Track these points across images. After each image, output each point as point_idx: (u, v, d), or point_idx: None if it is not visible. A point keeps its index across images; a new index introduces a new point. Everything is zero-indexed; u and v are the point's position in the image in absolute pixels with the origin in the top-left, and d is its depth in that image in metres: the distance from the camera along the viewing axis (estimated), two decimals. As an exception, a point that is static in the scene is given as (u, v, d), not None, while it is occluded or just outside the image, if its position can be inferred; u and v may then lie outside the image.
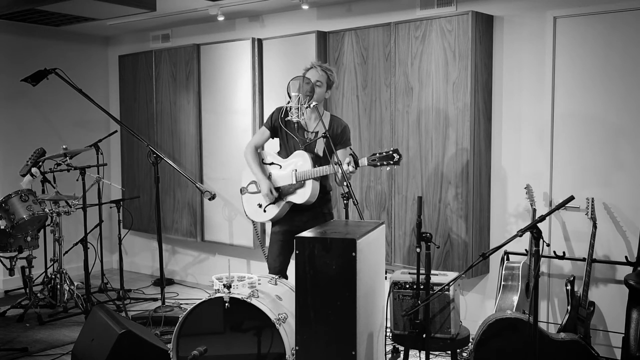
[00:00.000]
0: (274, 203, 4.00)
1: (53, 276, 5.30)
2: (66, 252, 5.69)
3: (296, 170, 3.91)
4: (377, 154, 3.70)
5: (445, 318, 3.53)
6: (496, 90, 4.60)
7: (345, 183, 3.68)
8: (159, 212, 5.00)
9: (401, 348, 3.97)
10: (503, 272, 4.23)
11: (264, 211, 4.05)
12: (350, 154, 3.72)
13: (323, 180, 3.99)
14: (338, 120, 4.09)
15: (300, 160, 3.91)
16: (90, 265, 5.23)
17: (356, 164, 3.69)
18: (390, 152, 3.67)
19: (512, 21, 4.51)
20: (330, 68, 4.05)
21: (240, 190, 4.20)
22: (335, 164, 3.69)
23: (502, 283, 4.20)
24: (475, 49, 4.39)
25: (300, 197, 3.91)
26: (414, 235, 4.65)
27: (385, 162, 3.68)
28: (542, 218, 3.09)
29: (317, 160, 3.91)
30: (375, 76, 4.84)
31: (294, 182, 3.91)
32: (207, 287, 6.08)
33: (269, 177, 4.03)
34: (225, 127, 5.74)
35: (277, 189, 3.99)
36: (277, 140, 4.16)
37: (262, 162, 4.10)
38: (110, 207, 6.55)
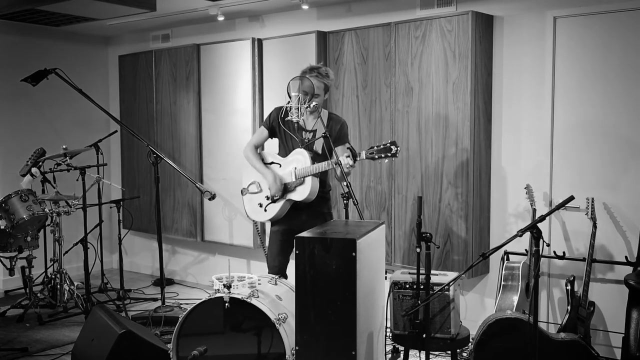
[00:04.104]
0: (274, 202, 4.00)
1: (53, 276, 5.29)
2: (66, 252, 5.69)
3: (296, 168, 3.92)
4: (375, 147, 3.70)
5: (445, 318, 3.53)
6: (496, 90, 4.60)
7: (345, 183, 3.68)
8: (159, 212, 5.00)
9: (401, 348, 3.97)
10: (503, 272, 4.23)
11: (265, 210, 4.05)
12: (348, 148, 3.72)
13: (323, 177, 4.00)
14: (336, 117, 4.10)
15: (300, 158, 3.92)
16: (90, 265, 5.23)
17: (354, 158, 3.69)
18: (388, 145, 3.67)
19: (512, 21, 4.51)
20: (327, 72, 3.99)
21: (241, 191, 4.20)
22: (335, 164, 3.70)
23: (502, 283, 4.20)
24: (475, 49, 4.39)
25: (300, 194, 3.92)
26: (414, 235, 4.65)
27: (383, 155, 3.68)
28: (542, 218, 3.09)
29: (317, 158, 3.91)
30: (375, 76, 4.84)
31: (294, 179, 3.92)
32: (207, 287, 6.08)
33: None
34: (225, 127, 5.74)
35: (285, 184, 3.97)
36: (276, 140, 4.17)
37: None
38: (110, 207, 6.55)
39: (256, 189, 4.11)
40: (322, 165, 3.82)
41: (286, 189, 3.97)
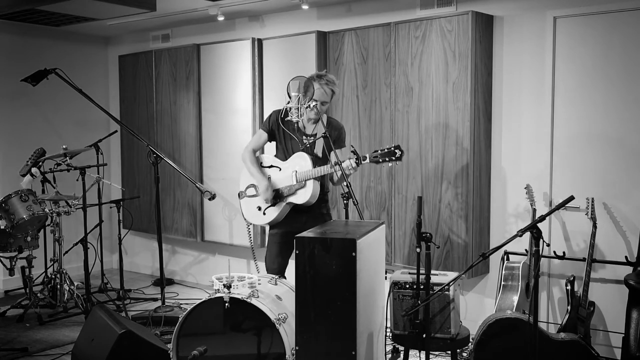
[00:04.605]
0: (273, 205, 3.99)
1: (53, 276, 5.30)
2: (66, 252, 5.69)
3: (296, 171, 3.91)
4: (379, 151, 3.70)
5: (445, 318, 3.53)
6: (496, 90, 4.60)
7: (345, 183, 3.68)
8: (159, 212, 5.00)
9: (401, 348, 3.97)
10: (503, 272, 4.23)
11: (264, 214, 4.04)
12: (352, 151, 3.72)
13: (322, 180, 4.00)
14: (335, 123, 4.10)
15: (301, 161, 3.91)
16: (90, 265, 5.23)
17: (358, 161, 3.69)
18: (392, 149, 3.67)
19: (512, 21, 4.51)
20: (334, 79, 3.96)
21: (239, 194, 4.19)
22: (335, 164, 3.70)
23: (502, 283, 4.20)
24: (475, 49, 4.39)
25: (302, 197, 3.91)
26: (414, 235, 4.65)
27: (387, 159, 3.68)
28: (542, 218, 3.09)
29: (317, 161, 3.91)
30: (375, 76, 4.84)
31: (295, 183, 3.91)
32: (207, 287, 6.08)
33: (269, 179, 4.02)
34: (225, 127, 5.74)
35: (276, 190, 3.98)
36: (273, 143, 4.15)
37: (260, 166, 4.10)
38: (110, 207, 6.55)
39: (254, 192, 4.09)
40: (324, 169, 3.81)
41: (278, 195, 3.96)
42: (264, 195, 3.98)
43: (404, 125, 4.70)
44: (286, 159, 4.01)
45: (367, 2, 5.17)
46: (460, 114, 4.42)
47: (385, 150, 3.68)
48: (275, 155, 4.11)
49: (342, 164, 3.69)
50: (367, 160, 3.71)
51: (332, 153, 3.80)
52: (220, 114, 5.78)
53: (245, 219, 4.18)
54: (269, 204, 4.00)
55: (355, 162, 3.69)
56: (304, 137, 4.00)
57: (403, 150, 3.67)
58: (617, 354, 4.17)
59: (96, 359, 3.68)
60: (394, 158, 3.67)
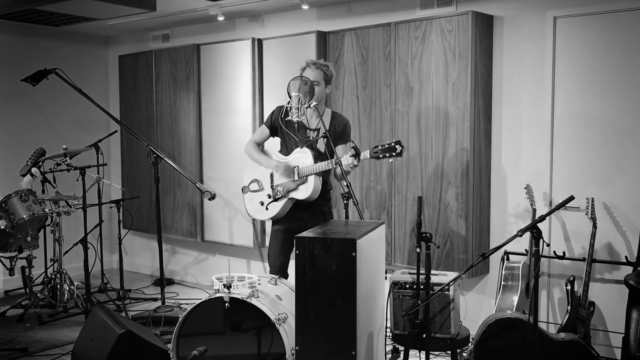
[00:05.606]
0: (276, 200, 3.99)
1: (53, 276, 5.30)
2: (66, 252, 5.69)
3: (298, 167, 3.91)
4: (379, 146, 3.69)
5: (445, 318, 3.53)
6: (496, 90, 4.60)
7: (345, 182, 3.68)
8: (159, 212, 5.00)
9: (401, 348, 3.97)
10: (503, 272, 4.23)
11: (266, 209, 4.05)
12: (353, 147, 3.71)
13: (325, 177, 4.00)
14: (339, 117, 4.10)
15: (303, 157, 3.92)
16: (90, 265, 5.23)
17: (358, 157, 3.68)
18: (393, 144, 3.66)
19: (512, 21, 4.51)
20: (326, 63, 4.02)
21: (242, 189, 4.20)
22: (335, 164, 3.70)
23: (502, 283, 4.20)
24: (475, 49, 4.39)
25: (303, 192, 3.91)
26: (414, 235, 4.65)
27: (387, 154, 3.66)
28: (542, 218, 3.09)
29: (319, 157, 3.91)
30: (375, 76, 4.84)
31: (296, 178, 3.92)
32: (207, 287, 6.08)
33: (271, 175, 4.03)
34: (225, 127, 5.74)
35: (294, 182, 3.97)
36: (278, 139, 4.17)
37: None
38: (110, 207, 6.55)
39: (257, 187, 4.10)
40: (325, 165, 3.81)
41: (294, 173, 3.95)
42: (282, 169, 3.94)
43: (404, 125, 4.70)
44: (288, 155, 4.02)
45: (367, 2, 5.17)
46: (460, 114, 4.42)
47: (386, 145, 3.68)
48: (279, 151, 4.12)
49: (342, 160, 3.69)
50: (367, 155, 3.71)
51: (335, 151, 3.80)
52: (220, 114, 5.78)
53: (248, 214, 4.19)
54: (273, 199, 3.98)
55: (356, 159, 3.69)
56: (307, 131, 4.01)
57: (404, 146, 3.65)
58: (617, 354, 4.17)
59: (96, 359, 3.68)
60: (394, 154, 3.65)
